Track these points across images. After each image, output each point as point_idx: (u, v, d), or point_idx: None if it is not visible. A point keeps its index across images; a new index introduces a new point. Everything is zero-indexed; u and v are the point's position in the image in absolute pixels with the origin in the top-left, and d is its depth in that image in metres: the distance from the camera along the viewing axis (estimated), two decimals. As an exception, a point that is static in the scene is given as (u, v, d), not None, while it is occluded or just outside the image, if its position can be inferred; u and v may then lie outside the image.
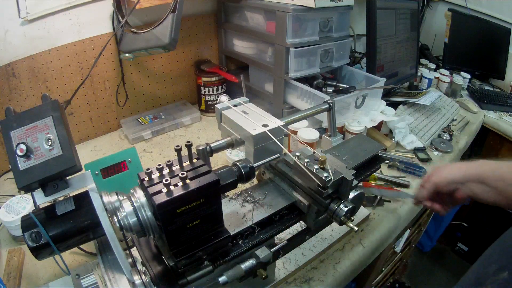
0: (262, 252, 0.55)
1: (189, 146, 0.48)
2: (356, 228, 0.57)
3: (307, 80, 1.26)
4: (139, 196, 0.45)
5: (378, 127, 1.23)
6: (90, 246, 0.74)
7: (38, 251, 0.49)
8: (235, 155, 1.04)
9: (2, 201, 0.83)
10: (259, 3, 1.15)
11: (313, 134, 1.02)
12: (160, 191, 0.43)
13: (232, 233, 0.53)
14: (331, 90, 1.23)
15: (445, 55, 1.86)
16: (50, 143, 0.47)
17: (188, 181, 0.44)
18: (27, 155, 0.46)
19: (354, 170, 0.61)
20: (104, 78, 1.18)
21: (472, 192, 0.62)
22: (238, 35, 1.34)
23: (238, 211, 0.59)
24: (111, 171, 0.78)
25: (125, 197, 0.50)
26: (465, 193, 0.63)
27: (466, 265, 2.14)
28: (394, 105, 1.30)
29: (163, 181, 0.43)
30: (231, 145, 0.65)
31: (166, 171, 0.47)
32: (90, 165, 0.76)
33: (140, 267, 0.53)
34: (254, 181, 0.65)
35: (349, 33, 1.28)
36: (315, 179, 0.54)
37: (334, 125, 0.91)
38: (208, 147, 0.62)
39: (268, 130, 0.60)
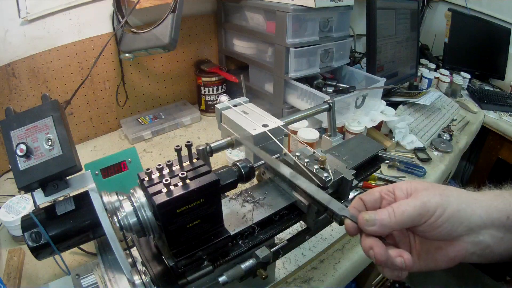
0: (262, 252, 0.55)
1: (189, 146, 0.47)
2: (356, 228, 0.57)
3: (307, 80, 1.26)
4: (139, 196, 0.45)
5: (378, 127, 1.23)
6: (90, 246, 0.74)
7: (38, 251, 0.49)
8: (235, 155, 1.04)
9: (2, 201, 0.83)
10: (259, 3, 1.14)
11: (313, 134, 1.02)
12: (160, 191, 0.43)
13: (232, 233, 0.53)
14: (331, 90, 1.23)
15: (445, 55, 1.86)
16: (50, 143, 0.47)
17: (188, 181, 0.44)
18: (27, 155, 0.46)
19: (354, 170, 0.61)
20: (104, 78, 1.18)
21: (482, 245, 0.35)
22: (238, 35, 1.34)
23: (238, 211, 0.59)
24: (111, 171, 0.78)
25: (125, 197, 0.50)
26: (465, 249, 0.36)
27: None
28: (394, 105, 1.31)
29: (163, 181, 0.42)
30: (231, 145, 0.65)
31: (166, 171, 0.47)
32: (90, 165, 0.76)
33: (140, 267, 0.53)
34: (254, 181, 0.64)
35: (349, 33, 1.28)
36: (315, 179, 0.54)
37: (334, 125, 0.91)
38: (208, 147, 0.62)
39: (268, 130, 0.60)
